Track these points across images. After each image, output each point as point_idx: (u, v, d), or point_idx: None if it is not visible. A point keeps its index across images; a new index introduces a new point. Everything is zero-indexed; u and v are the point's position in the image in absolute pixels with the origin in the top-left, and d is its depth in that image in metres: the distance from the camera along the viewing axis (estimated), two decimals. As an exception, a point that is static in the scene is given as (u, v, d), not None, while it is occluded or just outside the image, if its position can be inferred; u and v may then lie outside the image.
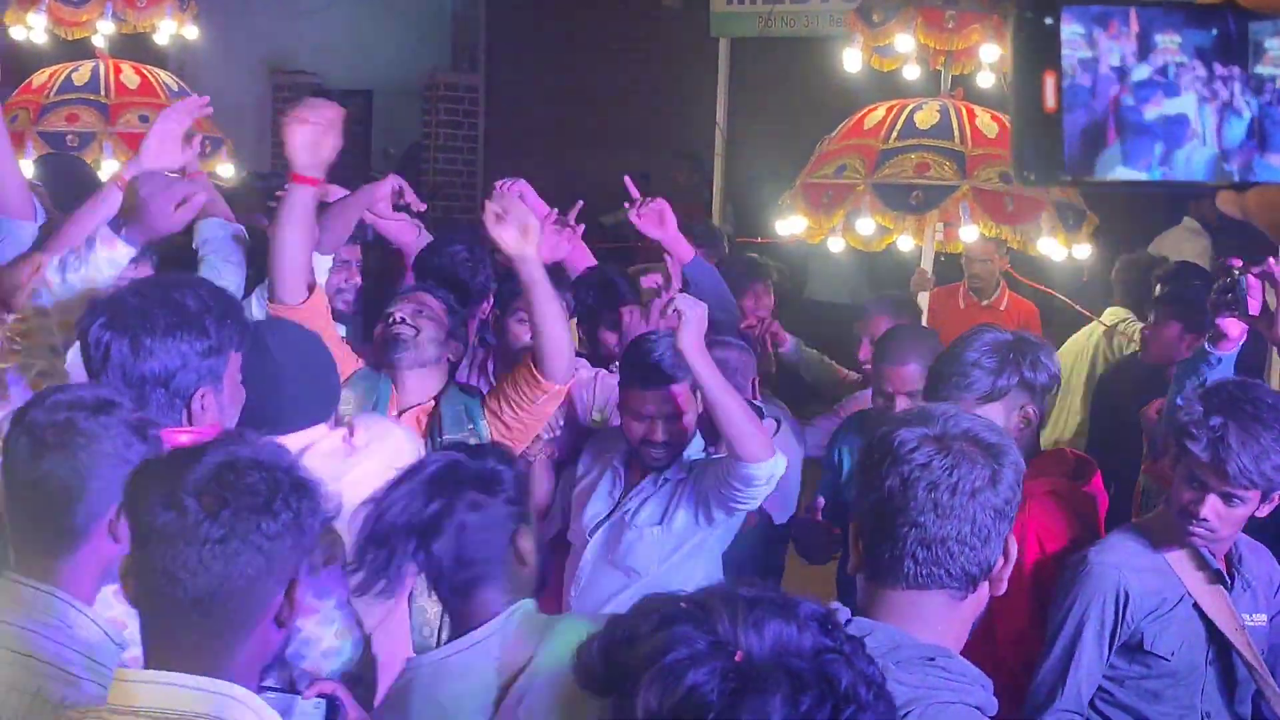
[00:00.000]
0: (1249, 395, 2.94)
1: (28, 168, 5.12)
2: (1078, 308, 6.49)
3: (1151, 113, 1.12)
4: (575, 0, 11.51)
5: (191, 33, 7.51)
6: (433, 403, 3.70)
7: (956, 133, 5.76)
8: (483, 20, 12.69)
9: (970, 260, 6.57)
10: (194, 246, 3.74)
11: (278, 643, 1.89)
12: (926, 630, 1.85)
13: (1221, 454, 2.86)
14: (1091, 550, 3.14)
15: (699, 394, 3.59)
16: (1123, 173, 1.12)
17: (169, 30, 7.36)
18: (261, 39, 11.74)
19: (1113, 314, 6.24)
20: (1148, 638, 3.07)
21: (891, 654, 1.74)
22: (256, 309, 3.65)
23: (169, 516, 1.75)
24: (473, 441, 3.53)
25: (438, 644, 3.48)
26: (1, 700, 2.00)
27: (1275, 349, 3.45)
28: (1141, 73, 1.12)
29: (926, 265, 6.01)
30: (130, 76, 7.12)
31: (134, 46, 7.61)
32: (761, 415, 3.80)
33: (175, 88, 7.28)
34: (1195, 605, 3.08)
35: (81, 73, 7.07)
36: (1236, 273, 3.31)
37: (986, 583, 1.90)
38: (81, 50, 7.32)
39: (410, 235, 4.71)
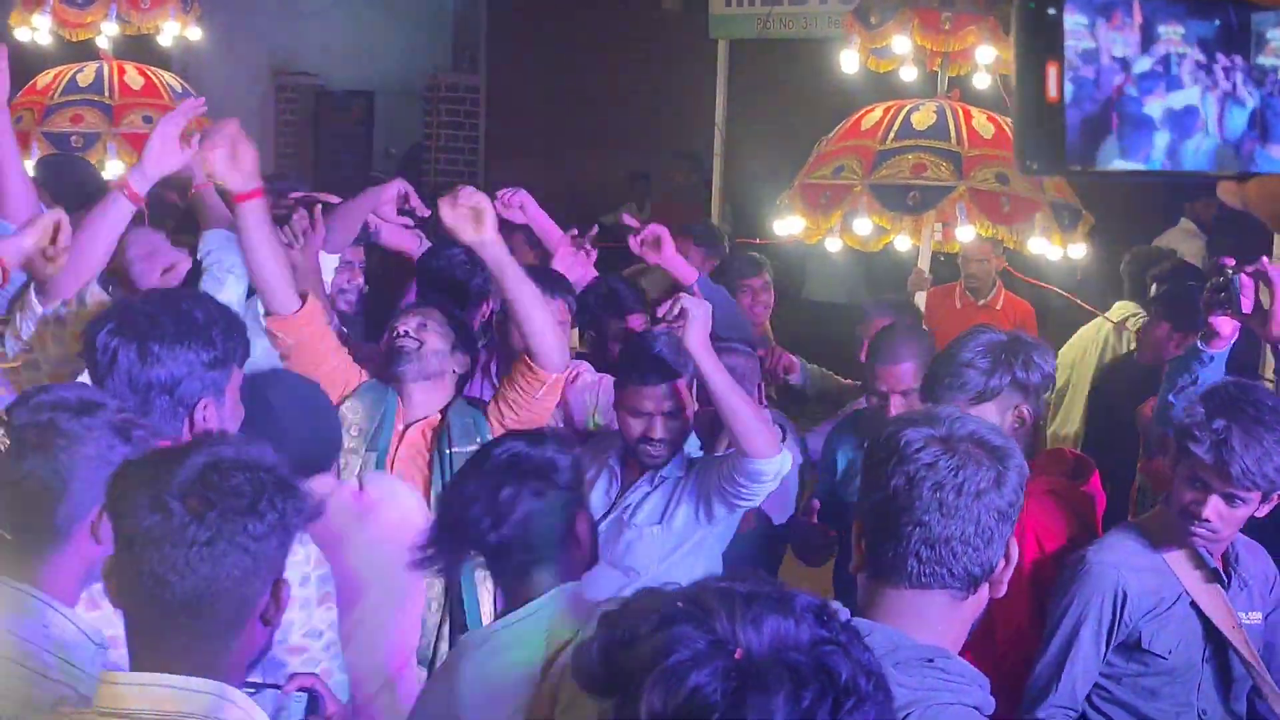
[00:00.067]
0: (1250, 397, 2.94)
1: (31, 169, 5.09)
2: (1078, 302, 6.48)
3: (1153, 104, 1.11)
4: (575, 2, 11.51)
5: (195, 34, 7.51)
6: (439, 416, 3.68)
7: (953, 133, 5.76)
8: (483, 22, 12.68)
9: (967, 260, 6.57)
10: (198, 257, 3.74)
11: (264, 641, 1.89)
12: (927, 629, 1.84)
13: (1225, 456, 2.86)
14: (1090, 549, 3.14)
15: (693, 392, 3.59)
16: (1120, 164, 1.11)
17: (172, 32, 7.36)
18: (264, 40, 11.73)
19: (1121, 308, 6.22)
20: (1145, 636, 3.06)
21: (890, 655, 1.74)
22: (250, 319, 3.68)
23: (154, 519, 1.75)
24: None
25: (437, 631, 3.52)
26: None
27: (1269, 347, 3.44)
28: (1144, 64, 1.11)
29: (924, 265, 6.00)
30: (134, 78, 7.13)
31: (138, 48, 7.61)
32: None
33: (179, 89, 7.28)
34: (1193, 604, 3.08)
35: (86, 74, 7.07)
36: (1230, 271, 3.32)
37: (987, 584, 1.89)
38: (86, 52, 7.32)
39: (412, 244, 4.71)
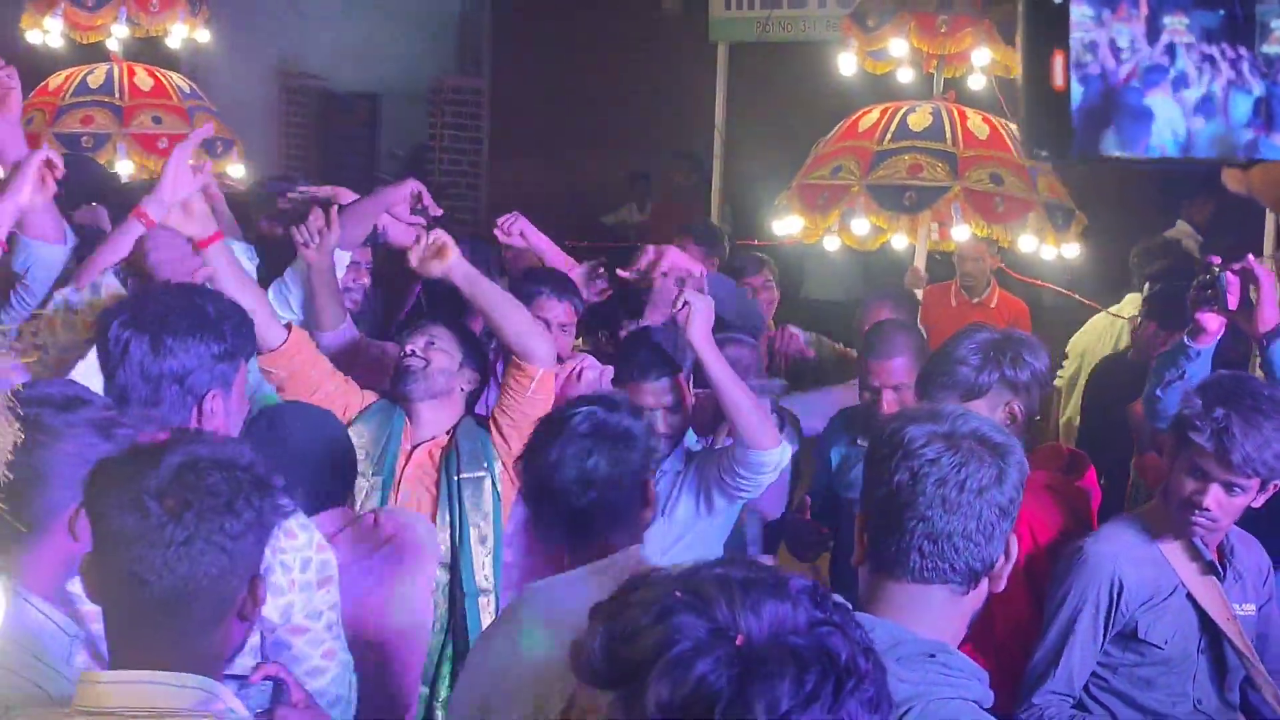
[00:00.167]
0: (1246, 387, 2.97)
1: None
2: (1077, 298, 6.48)
3: (1158, 94, 1.11)
4: (577, 5, 11.49)
5: (203, 36, 7.53)
6: (446, 437, 3.65)
7: (949, 135, 5.77)
8: (487, 25, 12.67)
9: (962, 259, 6.57)
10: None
11: (241, 636, 1.89)
12: (928, 623, 1.84)
13: (1226, 444, 2.87)
14: (1088, 540, 3.14)
15: (689, 383, 3.59)
16: (1123, 151, 1.11)
17: (181, 34, 7.38)
18: (271, 43, 11.71)
19: (1132, 301, 6.20)
20: (1142, 626, 3.07)
21: (892, 650, 1.74)
22: (292, 289, 3.69)
23: (132, 519, 1.74)
24: (483, 478, 3.54)
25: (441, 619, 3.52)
26: None
27: (1256, 343, 3.44)
28: (1149, 55, 1.11)
29: (920, 264, 6.01)
30: (143, 79, 7.14)
31: (147, 50, 7.62)
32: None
33: (187, 90, 7.29)
34: (1188, 595, 3.08)
35: (96, 75, 7.08)
36: (1216, 269, 3.33)
37: (987, 579, 1.89)
38: (96, 54, 7.33)
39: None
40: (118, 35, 7.23)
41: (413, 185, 4.11)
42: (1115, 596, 3.05)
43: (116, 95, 7.00)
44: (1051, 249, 5.76)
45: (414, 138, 12.60)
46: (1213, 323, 3.36)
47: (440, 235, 3.59)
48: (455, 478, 3.53)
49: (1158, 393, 3.42)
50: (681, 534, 3.65)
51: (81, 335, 2.87)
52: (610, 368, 4.02)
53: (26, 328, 3.05)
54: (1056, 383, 6.07)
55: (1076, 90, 1.10)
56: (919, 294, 5.91)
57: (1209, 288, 3.33)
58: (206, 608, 1.79)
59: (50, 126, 6.77)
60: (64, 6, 7.09)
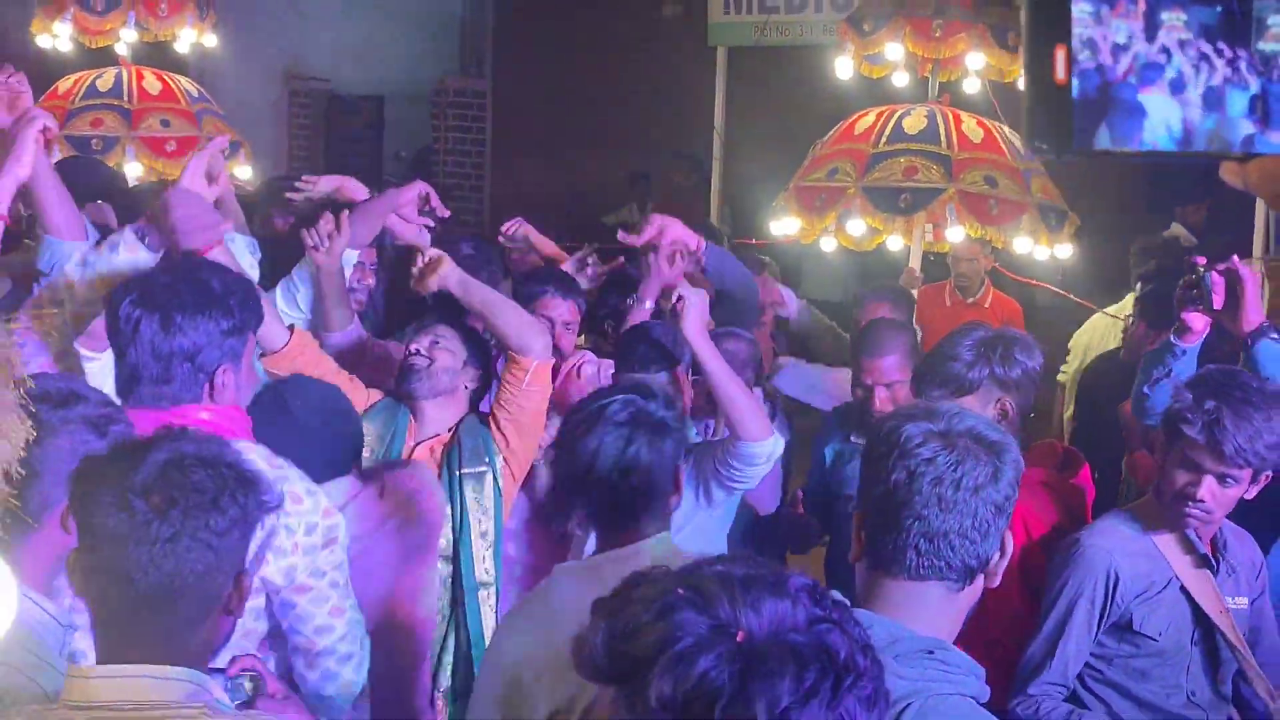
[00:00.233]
0: (1236, 381, 2.98)
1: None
2: (1073, 298, 6.48)
3: (1152, 90, 1.11)
4: (579, 9, 11.49)
5: (210, 41, 7.52)
6: (449, 433, 3.65)
7: (943, 137, 5.77)
8: (490, 28, 12.66)
9: (956, 260, 6.56)
10: None
11: (228, 630, 1.90)
12: (925, 619, 1.84)
13: (1218, 435, 2.88)
14: (1083, 533, 3.15)
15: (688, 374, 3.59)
16: (1122, 145, 1.11)
17: (189, 38, 7.37)
18: (278, 46, 11.72)
19: (1132, 300, 6.20)
20: (1136, 618, 3.07)
21: (891, 648, 1.74)
22: (301, 288, 3.69)
23: (118, 517, 1.74)
24: (485, 472, 3.54)
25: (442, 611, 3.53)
26: None
27: (1242, 342, 3.46)
28: (1146, 51, 1.11)
29: (915, 264, 6.01)
30: (152, 83, 7.13)
31: (155, 54, 7.61)
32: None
33: (195, 93, 7.29)
34: (1182, 588, 3.09)
35: (105, 79, 7.07)
36: (1201, 270, 3.34)
37: (982, 575, 1.89)
38: (105, 58, 7.32)
39: (420, 237, 4.70)
40: (126, 40, 7.22)
41: (421, 187, 4.12)
42: (1111, 589, 3.06)
43: (125, 98, 6.99)
44: (1045, 249, 5.77)
45: (418, 139, 12.60)
46: (1198, 322, 3.36)
47: (433, 252, 3.64)
48: (457, 472, 3.53)
49: (1145, 390, 3.43)
50: (681, 525, 3.63)
51: (99, 293, 2.84)
52: (609, 362, 4.02)
53: (45, 293, 3.05)
54: (1060, 379, 6.08)
55: (1075, 85, 1.10)
56: (914, 295, 5.91)
57: (1194, 288, 3.34)
58: (192, 603, 1.79)
59: (60, 129, 6.76)
60: (73, 11, 7.07)
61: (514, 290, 4.38)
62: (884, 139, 5.82)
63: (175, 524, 1.75)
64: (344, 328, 3.95)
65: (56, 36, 7.15)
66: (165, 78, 7.22)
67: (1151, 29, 1.12)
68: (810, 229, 5.83)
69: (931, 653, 1.79)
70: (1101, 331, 6.21)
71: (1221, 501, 2.98)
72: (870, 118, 5.97)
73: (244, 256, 3.38)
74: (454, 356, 3.64)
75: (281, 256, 4.00)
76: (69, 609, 2.08)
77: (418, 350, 3.63)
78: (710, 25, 8.66)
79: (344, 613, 2.67)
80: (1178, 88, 1.14)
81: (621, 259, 4.65)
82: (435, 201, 4.15)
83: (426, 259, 3.61)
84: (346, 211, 3.90)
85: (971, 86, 6.18)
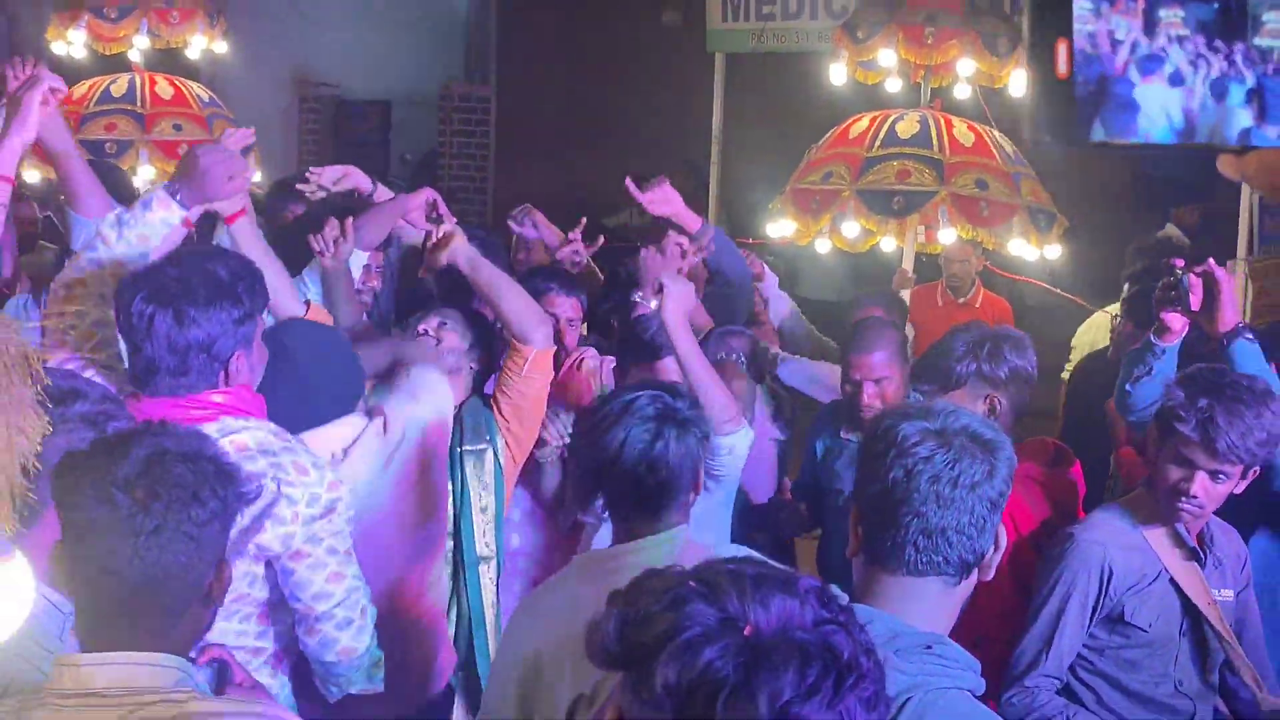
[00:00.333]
0: (1226, 379, 2.99)
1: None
2: (1069, 296, 6.48)
3: (1150, 84, 1.11)
4: (581, 17, 11.49)
5: (221, 47, 7.52)
6: (453, 411, 3.66)
7: (935, 142, 5.77)
8: (494, 35, 12.65)
9: (948, 261, 6.56)
10: (214, 243, 3.73)
11: (210, 618, 1.91)
12: (923, 615, 1.84)
13: (1211, 433, 2.89)
14: (1077, 528, 3.15)
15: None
16: (1122, 138, 1.11)
17: (200, 45, 7.38)
18: (287, 53, 11.71)
19: None
20: (1128, 610, 3.07)
21: (890, 643, 1.74)
22: (311, 288, 3.68)
23: (102, 511, 1.75)
24: (485, 450, 3.53)
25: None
26: None
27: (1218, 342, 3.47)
28: (1146, 46, 1.11)
29: (908, 265, 6.01)
30: (164, 88, 7.13)
31: (168, 60, 7.62)
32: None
33: (206, 99, 7.29)
34: (1171, 581, 3.09)
35: (119, 85, 7.08)
36: (1179, 271, 3.34)
37: (977, 569, 1.89)
38: (119, 64, 7.33)
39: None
40: (139, 46, 7.23)
41: (428, 194, 4.12)
42: (1104, 583, 3.06)
43: (138, 103, 7.00)
44: (1035, 250, 5.77)
45: (424, 143, 12.60)
46: (1176, 322, 3.37)
47: (448, 227, 3.60)
48: (458, 449, 3.52)
49: (1128, 388, 3.44)
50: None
51: (136, 249, 2.87)
52: (610, 359, 4.03)
53: (72, 274, 3.07)
54: (1064, 376, 6.07)
55: (1079, 77, 1.10)
56: (906, 295, 5.91)
57: (1173, 289, 3.34)
58: (176, 593, 1.80)
59: (75, 134, 6.74)
60: (87, 19, 7.09)
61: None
62: (878, 143, 5.82)
63: (158, 516, 1.76)
64: (351, 324, 3.96)
65: (71, 43, 7.16)
66: (177, 83, 7.22)
67: (1150, 25, 1.11)
68: (806, 231, 5.84)
69: (930, 648, 1.79)
70: (1102, 330, 6.21)
71: (1213, 496, 2.99)
72: (864, 122, 5.97)
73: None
74: (459, 338, 3.64)
75: (290, 247, 4.01)
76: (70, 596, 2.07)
77: (425, 330, 3.64)
78: (709, 32, 8.65)
79: (343, 579, 2.65)
80: (1177, 80, 1.13)
81: (604, 240, 4.65)
82: (442, 208, 4.15)
83: (440, 233, 3.58)
84: (351, 218, 3.90)
85: (962, 92, 6.18)
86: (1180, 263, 3.39)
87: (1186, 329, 3.39)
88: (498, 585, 3.58)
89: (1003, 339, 3.54)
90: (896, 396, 3.97)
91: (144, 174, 6.75)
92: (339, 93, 12.28)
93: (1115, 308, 6.11)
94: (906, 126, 5.84)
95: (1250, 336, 3.35)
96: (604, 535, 3.62)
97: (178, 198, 2.96)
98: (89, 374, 2.59)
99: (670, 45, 10.51)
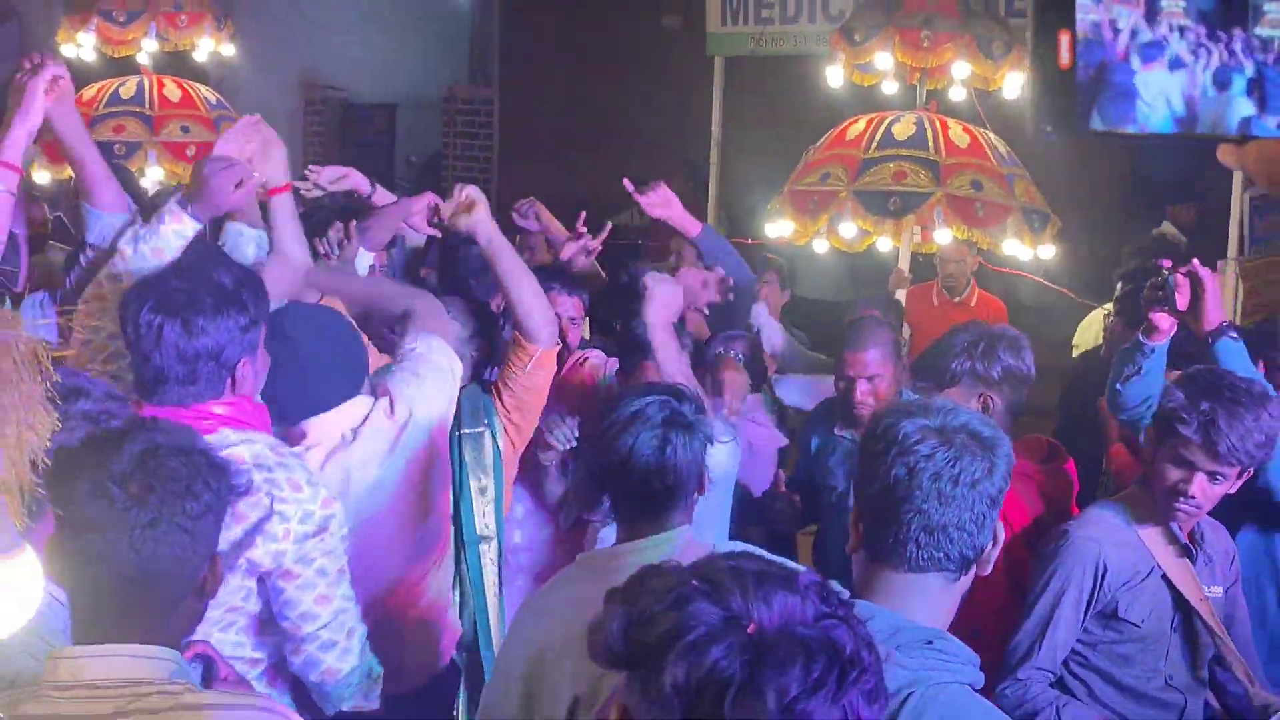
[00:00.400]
0: (1225, 381, 2.98)
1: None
2: (1065, 291, 6.47)
3: (1150, 72, 1.09)
4: (582, 21, 11.48)
5: (228, 50, 7.53)
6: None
7: (931, 143, 5.76)
8: (497, 40, 12.65)
9: (944, 261, 6.56)
10: (219, 243, 3.73)
11: (201, 612, 1.91)
12: (924, 610, 1.83)
13: (1213, 435, 2.89)
14: (1072, 524, 3.15)
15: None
16: (1122, 127, 1.10)
17: (208, 48, 7.38)
18: (294, 56, 11.71)
19: None
20: (1121, 605, 3.07)
21: (893, 638, 1.74)
22: None
23: (98, 506, 1.75)
24: (483, 432, 3.51)
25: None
26: None
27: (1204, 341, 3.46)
28: (1148, 35, 1.10)
29: (904, 265, 6.00)
30: (172, 90, 7.14)
31: (175, 63, 7.62)
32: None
33: (214, 101, 7.29)
34: (1164, 577, 3.08)
35: (128, 87, 7.09)
36: (1166, 272, 3.33)
37: (975, 564, 1.88)
38: (127, 67, 7.33)
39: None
40: (147, 49, 7.23)
41: (430, 198, 4.12)
42: (1099, 578, 3.05)
43: (147, 106, 7.01)
44: (1028, 250, 5.77)
45: (428, 145, 12.60)
46: (1164, 322, 3.36)
47: (472, 191, 3.53)
48: (457, 433, 3.50)
49: (1118, 387, 3.44)
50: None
51: (151, 262, 2.88)
52: (614, 359, 4.02)
53: (102, 256, 3.06)
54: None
55: (1080, 68, 1.08)
56: (902, 294, 5.91)
57: (1160, 289, 3.34)
58: (170, 586, 1.80)
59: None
60: (97, 22, 7.09)
61: None
62: (874, 145, 5.81)
63: (154, 510, 1.76)
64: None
65: (81, 46, 7.17)
66: (185, 86, 7.23)
67: (1152, 14, 1.10)
68: (803, 231, 5.83)
69: (931, 643, 1.78)
70: (1102, 328, 6.20)
71: (1210, 497, 2.99)
72: (861, 124, 5.97)
73: (251, 251, 3.38)
74: (462, 326, 3.63)
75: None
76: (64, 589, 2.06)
77: None
78: (708, 36, 8.65)
79: (330, 601, 2.60)
80: (1178, 64, 1.12)
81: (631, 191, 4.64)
82: (444, 212, 4.16)
83: (465, 196, 3.51)
84: (355, 222, 3.90)
85: (957, 94, 6.18)
86: (1168, 263, 3.39)
87: (1175, 328, 3.38)
88: (500, 568, 3.56)
89: (998, 339, 3.54)
90: (888, 394, 3.98)
91: (152, 174, 6.75)
92: (345, 96, 12.27)
93: (1109, 306, 6.11)
94: (903, 128, 5.83)
95: (1234, 335, 3.35)
96: (608, 534, 3.63)
97: (189, 211, 2.97)
98: None
99: (670, 48, 10.50)
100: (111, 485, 1.75)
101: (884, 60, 6.04)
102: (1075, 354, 6.24)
